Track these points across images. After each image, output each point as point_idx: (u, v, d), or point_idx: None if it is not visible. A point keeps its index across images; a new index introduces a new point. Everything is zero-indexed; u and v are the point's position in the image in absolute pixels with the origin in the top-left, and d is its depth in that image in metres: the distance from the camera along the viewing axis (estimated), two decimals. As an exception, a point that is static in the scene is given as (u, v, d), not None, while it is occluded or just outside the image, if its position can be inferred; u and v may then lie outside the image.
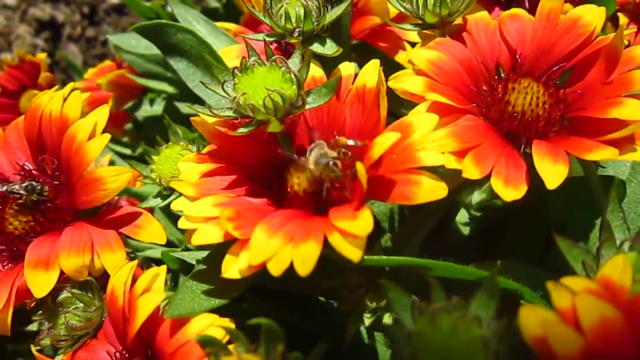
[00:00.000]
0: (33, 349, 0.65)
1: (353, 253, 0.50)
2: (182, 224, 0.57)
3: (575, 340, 0.38)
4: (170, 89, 1.13)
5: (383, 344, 0.83)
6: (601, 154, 0.55)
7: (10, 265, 0.70)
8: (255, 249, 0.52)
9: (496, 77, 0.68)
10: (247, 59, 0.61)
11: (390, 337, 0.72)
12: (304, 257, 0.51)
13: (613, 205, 0.55)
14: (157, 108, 1.21)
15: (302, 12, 0.65)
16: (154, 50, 0.91)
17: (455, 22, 0.71)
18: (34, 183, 0.67)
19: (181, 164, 0.66)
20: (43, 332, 0.66)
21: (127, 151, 1.27)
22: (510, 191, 0.57)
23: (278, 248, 0.52)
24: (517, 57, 0.69)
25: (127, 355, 0.61)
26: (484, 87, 0.67)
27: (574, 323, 0.40)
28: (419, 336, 0.44)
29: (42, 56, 1.11)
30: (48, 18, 1.94)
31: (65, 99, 0.71)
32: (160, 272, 0.59)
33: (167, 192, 0.78)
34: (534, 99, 0.65)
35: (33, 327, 0.67)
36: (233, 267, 0.53)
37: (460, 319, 0.44)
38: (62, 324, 0.65)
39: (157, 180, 0.77)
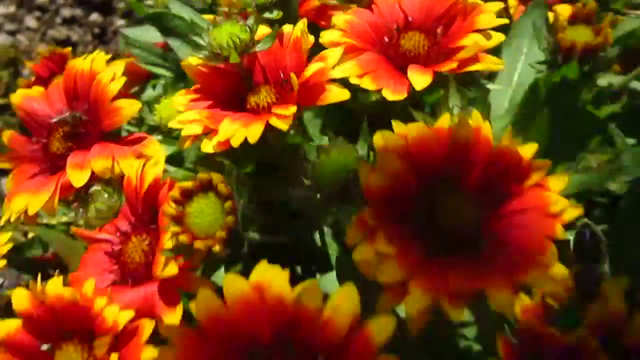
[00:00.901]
0: (72, 228, 0.92)
1: (283, 126, 0.78)
2: (173, 124, 0.86)
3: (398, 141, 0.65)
4: (167, 73, 1.43)
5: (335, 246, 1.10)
6: (449, 66, 0.84)
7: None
8: (222, 131, 0.80)
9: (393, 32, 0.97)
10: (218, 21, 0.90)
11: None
12: (252, 132, 0.79)
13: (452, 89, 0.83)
14: (158, 92, 1.51)
15: (257, -8, 0.95)
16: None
17: (368, -2, 1.01)
18: (76, 114, 0.96)
19: (175, 97, 0.94)
20: (78, 216, 0.93)
21: (135, 129, 1.56)
22: (396, 95, 0.85)
23: (237, 129, 0.80)
24: (409, 19, 0.98)
25: (138, 223, 0.88)
26: (385, 39, 0.97)
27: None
28: (319, 164, 0.72)
29: (67, 50, 1.41)
30: (64, 38, 2.27)
31: (92, 60, 1.00)
32: (160, 160, 0.87)
33: (166, 129, 1.06)
34: (417, 42, 0.94)
35: (71, 214, 0.94)
36: (208, 145, 0.81)
37: (344, 150, 0.71)
38: (92, 210, 0.92)
39: (159, 120, 1.06)
